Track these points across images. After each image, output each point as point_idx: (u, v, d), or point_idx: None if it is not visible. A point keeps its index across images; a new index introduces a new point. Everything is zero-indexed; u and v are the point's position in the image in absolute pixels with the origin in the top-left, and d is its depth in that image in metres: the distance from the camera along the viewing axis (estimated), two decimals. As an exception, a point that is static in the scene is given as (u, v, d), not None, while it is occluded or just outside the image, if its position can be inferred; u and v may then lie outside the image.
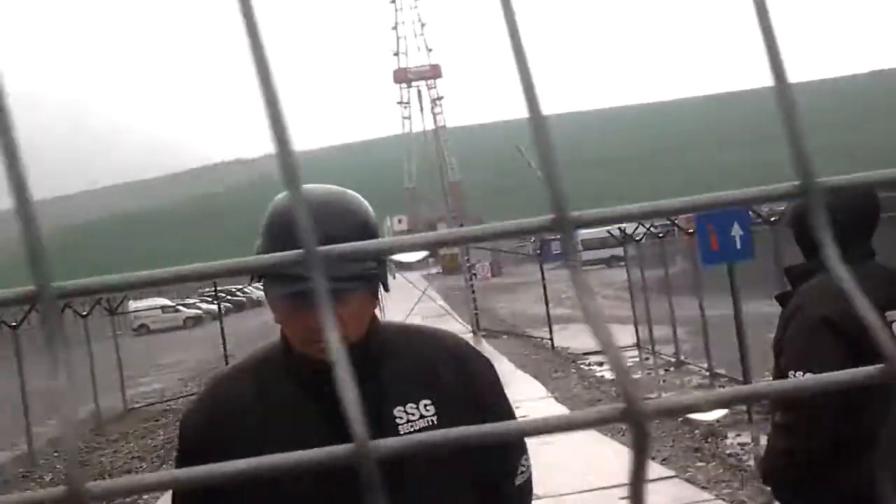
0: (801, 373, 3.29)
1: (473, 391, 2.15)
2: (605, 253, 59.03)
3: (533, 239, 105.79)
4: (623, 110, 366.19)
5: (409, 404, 2.08)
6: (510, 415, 2.26)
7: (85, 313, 20.54)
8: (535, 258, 76.98)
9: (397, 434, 2.02)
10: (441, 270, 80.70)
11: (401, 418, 2.07)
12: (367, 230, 1.98)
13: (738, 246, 11.87)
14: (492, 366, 2.30)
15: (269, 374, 2.11)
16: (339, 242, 1.79)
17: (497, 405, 2.22)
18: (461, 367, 2.16)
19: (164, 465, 14.20)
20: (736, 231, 11.84)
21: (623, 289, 39.21)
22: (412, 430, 2.06)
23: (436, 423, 2.07)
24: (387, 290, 2.06)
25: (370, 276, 1.98)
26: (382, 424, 2.02)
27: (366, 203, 2.05)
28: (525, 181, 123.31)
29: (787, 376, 3.38)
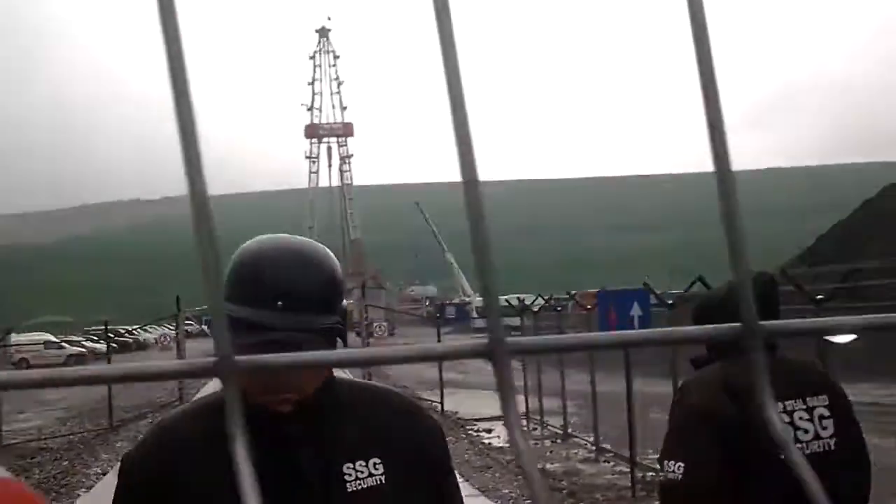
0: (673, 462, 3.32)
1: (422, 450, 2.15)
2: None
3: (427, 301, 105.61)
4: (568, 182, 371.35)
5: (359, 461, 2.06)
6: (453, 473, 2.31)
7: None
8: (430, 320, 77.10)
9: (345, 490, 2.04)
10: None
11: (349, 475, 2.05)
12: (334, 284, 2.01)
13: (637, 325, 12.05)
14: (439, 426, 2.33)
15: (218, 420, 2.06)
16: (305, 291, 1.89)
17: (444, 464, 2.24)
18: (410, 425, 2.16)
19: (37, 505, 13.83)
20: (635, 311, 12.04)
21: (517, 358, 39.80)
22: (360, 487, 2.05)
23: (384, 481, 2.07)
24: (345, 344, 2.08)
25: (334, 330, 1.98)
26: (331, 480, 2.03)
27: (333, 256, 2.07)
28: (422, 241, 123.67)
29: (661, 466, 3.46)
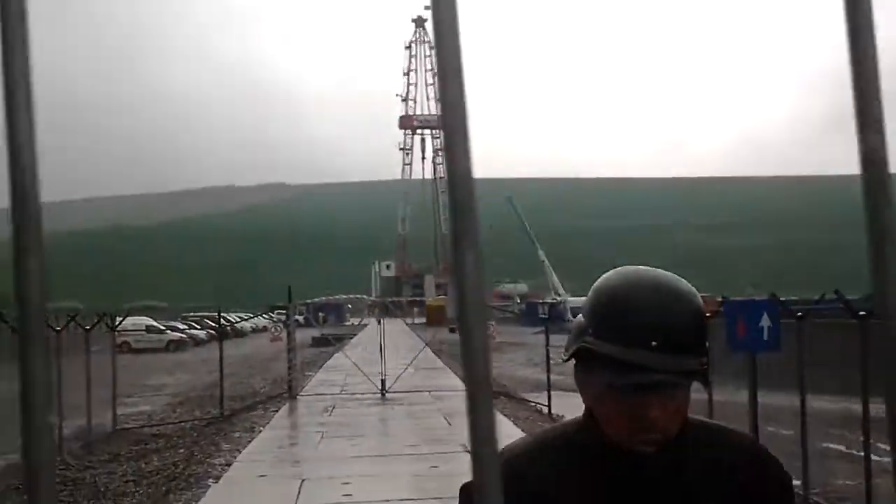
0: None
1: (773, 494, 2.12)
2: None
3: (519, 300, 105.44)
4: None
5: None
6: None
7: (89, 327, 20.27)
8: (519, 319, 76.72)
9: None
10: (426, 321, 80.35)
11: None
12: (700, 318, 1.93)
13: (765, 337, 11.88)
14: (786, 472, 2.28)
15: (572, 461, 2.04)
16: (680, 330, 1.81)
17: None
18: (761, 468, 2.12)
19: (159, 492, 14.05)
20: (765, 322, 11.87)
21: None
22: None
23: None
24: (707, 386, 2.01)
25: (703, 371, 1.92)
26: None
27: (694, 289, 1.99)
28: (513, 233, 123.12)
29: None
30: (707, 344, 1.94)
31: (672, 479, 1.99)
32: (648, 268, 1.99)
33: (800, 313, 13.11)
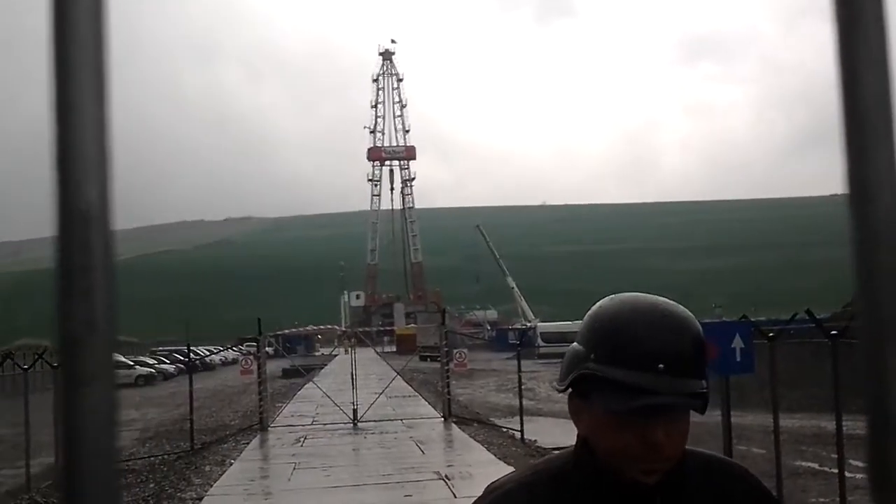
0: None
1: None
2: (563, 347, 59.10)
3: (489, 327, 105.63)
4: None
5: None
6: None
7: (56, 364, 20.02)
8: (493, 345, 76.82)
9: None
10: (396, 349, 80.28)
11: None
12: (701, 342, 1.90)
13: (738, 358, 11.87)
14: (775, 498, 2.26)
15: (567, 494, 1.99)
16: (684, 354, 1.78)
17: None
18: (756, 499, 2.10)
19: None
20: (737, 343, 11.86)
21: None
22: None
23: None
24: (703, 412, 1.92)
25: (705, 395, 1.88)
26: None
27: (692, 315, 1.96)
28: (482, 261, 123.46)
29: None
30: (706, 368, 1.92)
31: None
32: (645, 294, 1.98)
33: (771, 333, 13.15)
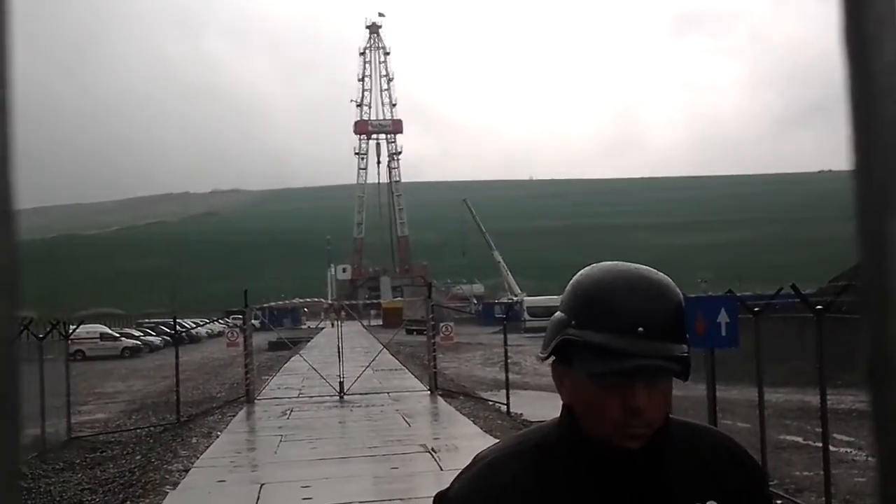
0: None
1: (754, 493, 2.09)
2: (549, 322, 59.32)
3: (476, 301, 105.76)
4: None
5: None
6: None
7: (42, 336, 19.94)
8: (479, 319, 76.94)
9: None
10: (382, 323, 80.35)
11: None
12: (681, 308, 1.92)
13: (724, 333, 11.91)
14: (762, 469, 2.26)
15: (552, 462, 1.98)
16: (664, 318, 1.81)
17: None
18: (740, 467, 2.09)
19: (116, 499, 13.87)
20: (723, 318, 11.90)
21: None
22: None
23: None
24: (686, 378, 1.92)
25: (686, 360, 1.88)
26: None
27: (672, 281, 1.96)
28: (469, 235, 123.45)
29: None
30: (687, 335, 1.92)
31: (656, 476, 1.94)
32: (628, 263, 1.98)
33: (756, 308, 13.19)
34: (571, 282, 1.98)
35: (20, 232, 0.74)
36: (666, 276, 1.96)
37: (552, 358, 1.97)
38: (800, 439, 16.80)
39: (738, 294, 14.43)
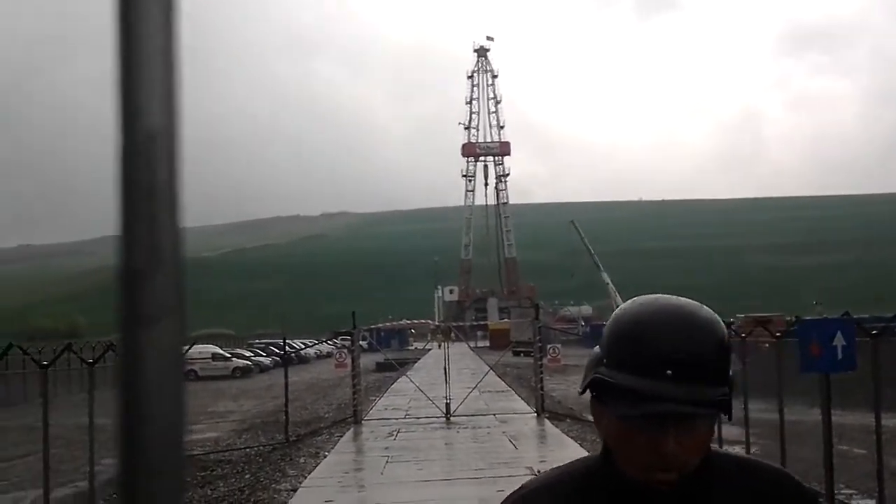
0: None
1: None
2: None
3: (584, 323, 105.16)
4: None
5: None
6: None
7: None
8: (587, 341, 76.50)
9: None
10: (489, 344, 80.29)
11: None
12: (721, 347, 1.82)
13: (840, 356, 11.58)
14: (818, 500, 2.15)
15: (588, 498, 1.95)
16: (697, 359, 1.72)
17: None
18: (795, 501, 2.00)
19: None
20: (839, 341, 11.57)
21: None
22: None
23: None
24: (730, 418, 1.86)
25: (724, 403, 1.80)
26: None
27: (720, 320, 1.88)
28: (578, 259, 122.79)
29: None
30: (731, 373, 1.83)
31: None
32: (669, 296, 1.90)
33: (874, 331, 12.80)
34: (612, 315, 1.92)
35: (184, 255, 0.73)
36: (710, 312, 1.87)
37: (589, 393, 1.91)
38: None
39: (856, 316, 14.04)
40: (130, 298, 0.68)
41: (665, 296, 1.90)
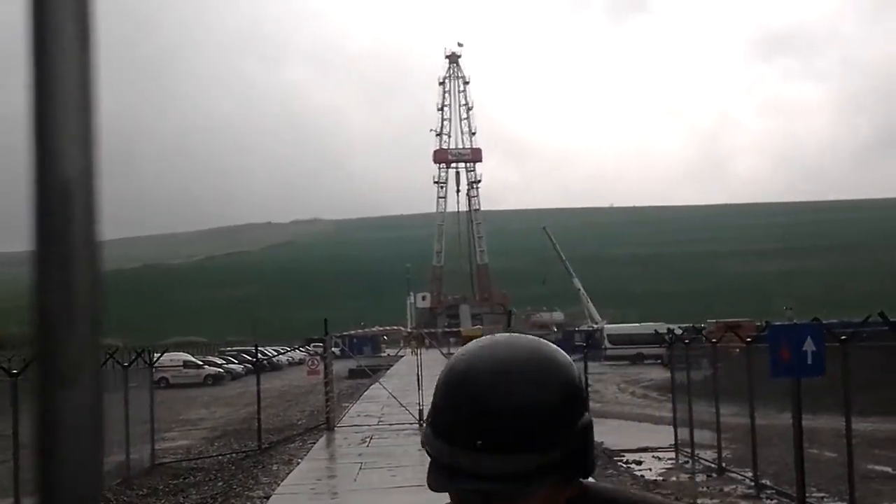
0: None
1: None
2: (630, 350, 59.06)
3: (556, 329, 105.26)
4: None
5: None
6: None
7: (127, 364, 20.21)
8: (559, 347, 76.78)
9: None
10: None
11: None
12: (557, 403, 1.53)
13: (810, 361, 11.70)
14: None
15: None
16: (515, 424, 1.45)
17: None
18: None
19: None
20: (808, 346, 11.69)
21: (651, 388, 39.43)
22: None
23: None
24: (590, 472, 1.60)
25: (559, 465, 1.53)
26: None
27: (566, 363, 1.59)
28: (549, 265, 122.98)
29: None
30: (577, 425, 1.54)
31: None
32: (508, 341, 1.62)
33: (843, 336, 12.92)
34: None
35: (104, 262, 0.73)
36: (549, 360, 1.58)
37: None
38: (889, 469, 16.39)
39: (825, 321, 14.16)
40: (44, 356, 0.67)
41: (501, 342, 1.63)
